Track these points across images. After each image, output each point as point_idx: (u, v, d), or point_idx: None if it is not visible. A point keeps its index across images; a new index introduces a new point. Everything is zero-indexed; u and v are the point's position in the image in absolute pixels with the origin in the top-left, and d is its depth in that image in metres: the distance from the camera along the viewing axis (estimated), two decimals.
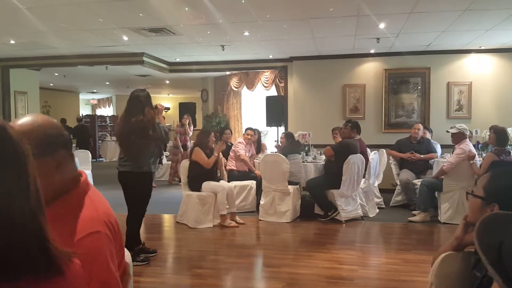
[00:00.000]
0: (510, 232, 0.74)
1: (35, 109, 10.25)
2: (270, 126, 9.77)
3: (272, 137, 10.47)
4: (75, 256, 1.00)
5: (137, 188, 4.47)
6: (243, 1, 5.20)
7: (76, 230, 1.28)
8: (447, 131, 6.17)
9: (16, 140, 0.89)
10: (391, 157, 7.47)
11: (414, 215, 6.24)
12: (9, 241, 0.84)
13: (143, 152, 4.39)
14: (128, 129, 4.34)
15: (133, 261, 4.38)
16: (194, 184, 6.08)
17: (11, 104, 9.38)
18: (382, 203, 7.12)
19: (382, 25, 6.37)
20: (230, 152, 7.21)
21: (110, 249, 1.32)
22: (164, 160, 10.32)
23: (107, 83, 14.71)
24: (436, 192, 6.22)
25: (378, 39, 7.22)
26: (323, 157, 6.91)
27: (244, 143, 7.31)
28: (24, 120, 1.31)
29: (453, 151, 6.18)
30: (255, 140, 7.80)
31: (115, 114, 19.03)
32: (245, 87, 11.78)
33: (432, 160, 6.94)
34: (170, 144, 9.58)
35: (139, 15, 5.80)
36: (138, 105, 4.36)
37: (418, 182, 6.61)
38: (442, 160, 6.48)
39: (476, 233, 0.82)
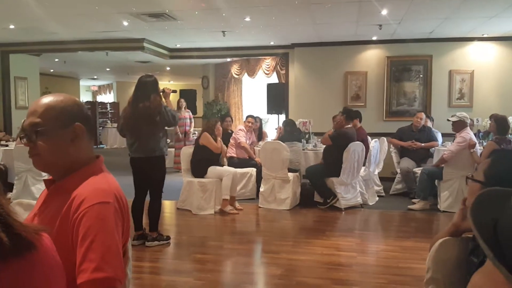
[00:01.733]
0: (505, 209, 0.74)
1: (35, 95, 10.21)
2: (271, 114, 9.76)
3: (273, 124, 10.45)
4: (44, 230, 1.02)
5: (152, 172, 4.56)
6: None
7: (85, 199, 1.32)
8: (448, 120, 6.15)
9: None
10: (391, 145, 7.46)
11: (414, 203, 6.25)
12: None
13: (153, 137, 4.47)
14: (136, 114, 4.40)
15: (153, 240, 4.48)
16: (199, 169, 6.08)
17: (11, 89, 9.35)
18: (382, 191, 7.13)
19: (384, 11, 6.31)
20: (231, 140, 7.21)
21: (116, 221, 1.35)
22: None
23: (108, 69, 14.66)
24: (436, 181, 6.23)
25: (380, 25, 7.16)
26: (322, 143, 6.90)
27: (245, 130, 7.30)
28: (50, 96, 1.45)
29: (454, 139, 6.17)
30: (257, 128, 7.79)
31: (115, 100, 19.00)
32: (246, 74, 11.72)
33: (433, 148, 6.93)
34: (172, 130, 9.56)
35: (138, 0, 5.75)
36: (145, 91, 4.42)
37: (418, 170, 6.61)
38: (443, 148, 6.47)
39: (471, 210, 0.81)
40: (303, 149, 6.69)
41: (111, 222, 1.32)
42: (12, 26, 7.28)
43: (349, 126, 6.28)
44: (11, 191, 6.64)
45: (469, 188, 1.62)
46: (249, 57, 10.97)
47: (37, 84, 10.42)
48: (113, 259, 1.28)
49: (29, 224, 1.00)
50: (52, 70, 14.34)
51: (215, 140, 6.04)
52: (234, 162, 6.95)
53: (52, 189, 1.46)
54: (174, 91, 4.80)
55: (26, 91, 9.83)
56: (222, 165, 6.32)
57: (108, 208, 1.34)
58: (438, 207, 6.08)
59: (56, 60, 11.82)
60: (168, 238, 4.72)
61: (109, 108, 18.13)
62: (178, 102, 9.79)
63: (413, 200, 6.38)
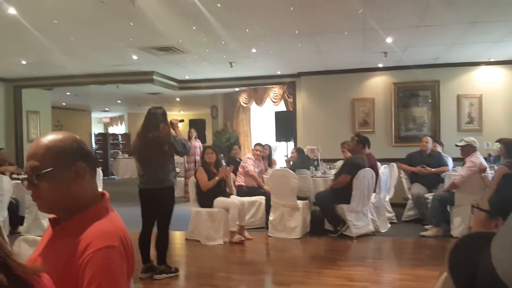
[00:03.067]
0: (484, 254, 0.72)
1: (47, 128, 10.38)
2: (279, 141, 9.77)
3: (281, 152, 10.45)
4: (43, 271, 1.01)
5: (161, 203, 4.56)
6: (248, 21, 5.25)
7: (90, 243, 1.31)
8: (456, 145, 6.10)
9: None
10: (402, 171, 7.39)
11: (427, 229, 6.14)
12: None
13: (162, 168, 4.49)
14: (145, 145, 4.45)
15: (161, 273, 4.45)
16: (203, 200, 6.08)
17: (23, 123, 9.51)
18: (394, 217, 7.02)
19: (389, 39, 6.37)
20: (239, 168, 7.20)
21: (122, 265, 1.34)
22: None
23: (119, 101, 14.87)
24: (448, 206, 6.13)
25: (385, 53, 7.22)
26: (333, 171, 6.87)
27: (253, 158, 7.30)
28: (48, 136, 1.45)
29: (464, 164, 6.10)
30: (266, 156, 7.80)
31: (127, 132, 19.21)
32: (254, 103, 11.82)
33: (444, 173, 6.85)
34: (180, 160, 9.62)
35: (146, 35, 5.88)
36: (154, 121, 4.49)
37: (430, 196, 6.52)
38: (453, 173, 6.40)
39: (448, 257, 0.79)
40: (312, 176, 6.66)
41: (116, 267, 1.32)
42: (24, 62, 7.47)
43: (367, 152, 6.29)
44: (22, 225, 6.67)
45: (474, 217, 1.59)
46: (257, 86, 11.08)
47: (49, 117, 10.60)
48: None
49: (28, 265, 1.00)
50: (64, 103, 14.59)
51: (216, 170, 6.03)
52: (243, 191, 6.93)
53: (57, 230, 1.45)
54: (182, 121, 4.86)
55: (38, 125, 9.99)
56: (230, 194, 6.29)
57: (113, 252, 1.33)
58: (451, 233, 5.96)
59: (68, 93, 12.04)
60: (176, 270, 4.68)
61: (120, 139, 18.32)
62: (189, 132, 9.90)
63: (426, 227, 6.26)
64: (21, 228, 6.64)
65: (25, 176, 1.43)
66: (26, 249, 2.14)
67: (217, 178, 5.94)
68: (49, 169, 1.38)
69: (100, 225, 1.39)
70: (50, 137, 1.44)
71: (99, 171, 8.83)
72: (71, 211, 1.43)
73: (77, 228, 1.38)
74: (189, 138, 9.84)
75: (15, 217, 6.70)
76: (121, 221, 1.48)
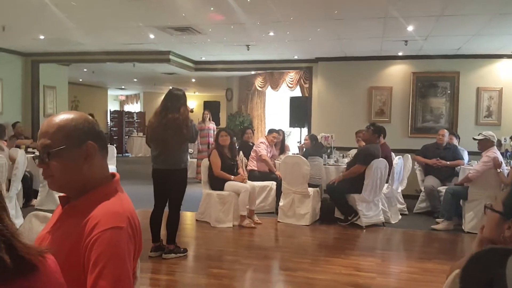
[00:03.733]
0: (498, 273, 0.69)
1: (63, 104, 10.48)
2: (293, 127, 9.71)
3: (294, 138, 10.40)
4: (47, 252, 1.01)
5: (174, 184, 4.59)
6: (268, 3, 5.17)
7: (98, 223, 1.32)
8: (474, 138, 5.99)
9: None
10: (416, 163, 7.30)
11: (438, 223, 6.08)
12: None
13: (178, 150, 4.52)
14: (164, 125, 4.44)
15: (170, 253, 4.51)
16: (215, 183, 6.10)
17: (40, 98, 9.59)
18: (405, 209, 6.97)
19: (410, 28, 6.23)
20: (252, 152, 7.19)
21: (129, 246, 1.34)
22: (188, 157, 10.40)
23: (135, 80, 14.92)
24: (461, 200, 6.05)
25: (406, 41, 7.07)
26: (345, 160, 6.83)
27: (266, 143, 7.27)
28: (60, 115, 1.45)
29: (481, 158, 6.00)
30: (279, 141, 7.77)
31: (142, 110, 19.30)
32: (269, 87, 11.74)
33: (458, 167, 6.76)
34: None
35: (165, 14, 5.84)
36: (175, 103, 4.48)
37: (443, 189, 6.44)
38: (468, 167, 6.30)
39: (461, 273, 0.76)
40: (324, 164, 6.62)
41: (123, 248, 1.31)
42: (42, 37, 7.49)
43: (382, 141, 6.22)
44: (35, 198, 6.78)
45: (487, 218, 1.55)
46: (273, 70, 11.00)
47: (66, 93, 10.68)
48: (123, 287, 1.28)
49: (33, 246, 1.00)
50: (81, 80, 14.68)
51: (231, 154, 6.05)
52: (255, 175, 6.92)
53: (67, 209, 1.46)
54: (191, 111, 4.85)
55: (55, 100, 10.07)
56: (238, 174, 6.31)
57: (121, 233, 1.33)
58: (463, 227, 5.90)
59: (85, 70, 12.10)
60: (185, 250, 4.72)
61: (135, 118, 18.43)
62: (203, 114, 9.90)
63: (437, 220, 6.21)
64: (34, 202, 6.75)
65: (37, 153, 1.44)
66: (37, 225, 2.16)
67: (232, 178, 5.99)
68: (59, 148, 1.39)
69: (108, 205, 1.39)
70: (61, 116, 1.44)
71: (113, 148, 8.93)
72: (81, 190, 1.43)
73: (86, 207, 1.38)
74: (203, 119, 9.84)
75: (29, 190, 6.81)
76: (130, 202, 1.48)
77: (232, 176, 6.02)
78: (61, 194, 1.52)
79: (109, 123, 17.67)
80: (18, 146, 7.18)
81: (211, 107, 11.17)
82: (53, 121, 1.43)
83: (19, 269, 0.93)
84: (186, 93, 4.71)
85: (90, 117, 1.50)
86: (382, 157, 6.06)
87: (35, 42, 7.92)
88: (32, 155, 6.96)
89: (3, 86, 8.81)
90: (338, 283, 3.97)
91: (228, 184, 6.00)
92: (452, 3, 5.06)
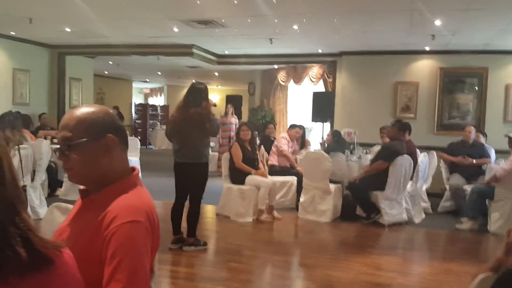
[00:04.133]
0: None
1: (89, 96, 10.63)
2: (316, 122, 9.62)
3: (317, 133, 10.31)
4: (64, 246, 1.01)
5: (195, 178, 4.60)
6: None
7: (116, 217, 1.32)
8: (505, 135, 5.82)
9: None
10: (441, 160, 7.14)
11: (462, 222, 5.94)
12: None
13: (200, 143, 4.53)
14: (186, 119, 4.45)
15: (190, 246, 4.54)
16: (236, 177, 6.10)
17: (66, 90, 9.76)
18: (429, 208, 6.82)
19: (437, 22, 6.07)
20: (273, 147, 7.15)
21: (146, 241, 1.34)
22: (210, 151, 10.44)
23: (159, 73, 15.04)
24: (486, 200, 5.89)
25: (433, 36, 6.89)
26: (369, 156, 6.72)
27: (288, 138, 7.22)
28: (81, 108, 1.46)
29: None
30: (299, 136, 7.71)
31: (166, 103, 19.47)
32: (292, 81, 11.64)
33: (485, 165, 6.58)
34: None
35: (188, 7, 5.84)
36: (197, 97, 4.49)
37: (468, 188, 6.28)
38: (495, 166, 6.12)
39: (496, 281, 0.72)
40: (347, 160, 6.53)
41: (140, 242, 1.31)
42: (68, 29, 7.60)
43: (407, 138, 6.11)
44: (60, 187, 6.91)
45: None
46: (296, 64, 10.90)
47: (91, 85, 10.84)
48: (140, 281, 1.27)
49: (49, 240, 1.00)
50: (106, 72, 14.88)
51: (252, 147, 6.04)
52: (276, 170, 6.88)
53: (86, 201, 1.47)
54: (215, 105, 4.84)
55: (80, 92, 10.23)
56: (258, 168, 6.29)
57: (139, 227, 1.32)
58: (488, 228, 5.74)
59: (110, 62, 12.25)
60: (205, 244, 4.73)
61: (159, 111, 18.62)
62: (226, 107, 9.89)
63: (462, 219, 6.06)
64: (59, 192, 6.89)
65: (58, 146, 1.45)
66: (59, 216, 2.19)
67: (253, 172, 5.98)
68: (80, 140, 1.39)
69: (127, 199, 1.39)
70: (82, 109, 1.45)
71: (137, 140, 9.02)
72: (100, 183, 1.43)
73: (105, 201, 1.38)
74: (226, 113, 9.84)
75: (54, 181, 6.95)
76: (149, 196, 1.48)
77: (253, 170, 6.01)
78: (82, 187, 1.53)
79: (133, 116, 17.90)
80: (44, 137, 7.33)
81: (233, 101, 11.18)
82: (74, 114, 1.44)
83: (35, 263, 0.93)
84: (209, 87, 4.71)
85: (111, 110, 1.50)
86: (407, 154, 5.94)
87: (62, 34, 8.04)
88: (57, 145, 7.14)
89: (30, 78, 8.99)
90: (357, 282, 3.91)
91: (249, 178, 5.99)
92: None
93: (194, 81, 4.73)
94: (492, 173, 5.86)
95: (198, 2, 5.49)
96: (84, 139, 1.40)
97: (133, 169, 1.52)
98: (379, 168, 5.87)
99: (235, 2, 5.55)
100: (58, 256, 0.99)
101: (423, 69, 8.36)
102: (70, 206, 2.08)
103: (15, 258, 0.88)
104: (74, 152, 1.40)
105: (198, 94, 4.50)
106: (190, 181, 4.62)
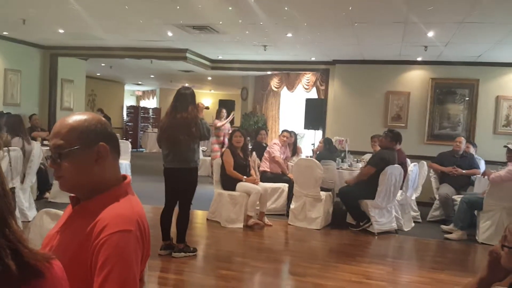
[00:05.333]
0: None
1: (80, 97, 10.56)
2: (308, 129, 9.64)
3: (309, 140, 10.33)
4: (54, 258, 1.00)
5: (185, 183, 4.59)
6: (286, 8, 5.14)
7: (107, 226, 1.31)
8: (505, 146, 5.87)
9: None
10: (431, 170, 7.20)
11: (450, 232, 5.98)
12: None
13: (188, 148, 4.51)
14: (173, 125, 4.46)
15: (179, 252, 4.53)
16: (227, 183, 6.09)
17: (57, 91, 9.67)
18: (419, 217, 6.86)
19: (430, 34, 6.13)
20: (265, 153, 7.15)
21: (136, 250, 1.33)
22: (201, 155, 10.38)
23: (152, 76, 14.99)
24: (475, 211, 5.95)
25: (426, 47, 6.96)
26: (359, 165, 6.75)
27: (280, 144, 7.23)
28: (73, 115, 1.45)
29: (500, 168, 5.89)
30: (291, 143, 7.72)
31: (157, 106, 19.40)
32: (285, 87, 11.69)
33: (474, 176, 6.64)
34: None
35: (183, 12, 5.84)
36: (183, 102, 4.49)
37: (458, 198, 6.34)
38: (484, 177, 6.18)
39: None
40: (338, 168, 6.55)
41: (130, 252, 1.31)
42: (61, 31, 7.55)
43: (398, 147, 6.16)
44: (49, 190, 6.85)
45: (505, 256, 1.48)
46: (289, 71, 10.94)
47: (83, 86, 10.76)
48: None
49: (39, 252, 0.99)
50: (98, 74, 14.80)
51: (244, 154, 6.05)
52: (267, 177, 6.89)
53: (77, 209, 1.46)
54: (207, 108, 4.84)
55: (72, 93, 10.16)
56: (250, 175, 6.28)
57: (129, 237, 1.32)
58: (476, 238, 5.79)
59: (103, 64, 12.19)
60: (195, 250, 4.71)
61: (151, 114, 18.53)
62: (220, 111, 9.75)
63: (445, 227, 6.11)
64: (48, 194, 6.82)
65: (49, 154, 1.44)
66: (48, 222, 2.17)
67: (244, 179, 5.99)
68: (72, 148, 1.39)
69: (118, 208, 1.38)
70: (74, 117, 1.44)
71: (128, 143, 8.97)
72: (91, 191, 1.43)
73: (96, 209, 1.38)
74: (220, 117, 9.74)
75: (44, 183, 6.88)
76: (140, 205, 1.47)
77: (245, 177, 6.01)
78: (72, 194, 1.52)
79: (125, 118, 17.80)
80: (34, 139, 7.26)
81: (226, 105, 11.16)
82: (66, 121, 1.43)
83: (25, 276, 0.92)
84: (202, 91, 4.72)
85: (103, 118, 1.50)
86: (397, 163, 5.98)
87: (55, 35, 7.99)
88: (48, 147, 7.07)
89: (22, 78, 8.91)
90: None
91: (240, 185, 5.98)
92: (477, 10, 4.95)
93: (186, 85, 4.71)
94: (481, 184, 5.91)
95: (195, 7, 5.49)
96: (76, 147, 1.39)
97: (125, 177, 1.52)
98: (367, 173, 5.93)
99: (230, 9, 5.57)
100: (48, 268, 0.98)
101: (415, 79, 8.44)
102: (59, 212, 2.06)
103: (5, 271, 0.87)
104: (66, 160, 1.39)
105: (184, 99, 4.50)
106: (179, 186, 4.60)
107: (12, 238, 0.93)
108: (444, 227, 6.20)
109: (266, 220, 6.08)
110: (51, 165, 1.43)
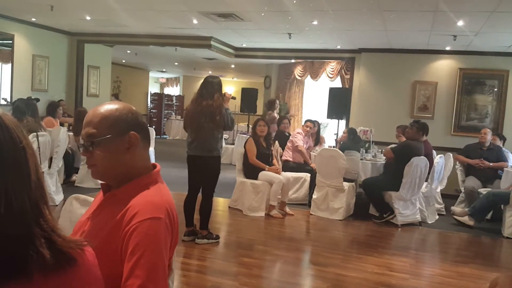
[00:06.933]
0: None
1: (106, 84, 10.71)
2: (331, 119, 9.54)
3: (332, 130, 10.24)
4: (86, 245, 1.02)
5: (207, 171, 4.63)
6: None
7: (137, 213, 1.34)
8: None
9: (12, 128, 0.89)
10: (457, 162, 7.06)
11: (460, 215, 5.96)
12: (10, 232, 0.84)
13: (211, 136, 4.54)
14: (199, 112, 4.49)
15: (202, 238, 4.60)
16: (249, 171, 6.11)
17: (84, 77, 9.84)
18: (443, 209, 6.76)
19: (460, 23, 5.97)
20: (288, 143, 7.13)
21: (166, 238, 1.36)
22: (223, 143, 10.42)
23: (176, 63, 15.07)
24: (502, 205, 5.83)
25: (455, 36, 6.79)
26: (384, 156, 6.67)
27: (303, 134, 7.20)
28: (105, 105, 1.49)
29: None
30: (315, 132, 7.67)
31: (181, 94, 19.53)
32: (309, 76, 11.59)
33: (501, 169, 6.50)
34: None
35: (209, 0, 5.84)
36: (210, 90, 4.51)
37: (483, 191, 6.21)
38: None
39: None
40: (361, 159, 6.49)
41: (160, 239, 1.34)
42: (88, 18, 7.64)
43: (424, 138, 6.07)
44: (77, 173, 6.99)
45: None
46: (314, 60, 10.83)
47: (109, 73, 10.90)
48: (159, 278, 1.29)
49: (72, 239, 1.01)
50: (124, 61, 14.96)
51: (267, 143, 6.05)
52: (290, 166, 6.88)
53: (108, 196, 1.49)
54: (234, 98, 4.84)
55: (98, 80, 10.31)
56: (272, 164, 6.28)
57: (159, 224, 1.35)
58: (502, 232, 5.68)
59: (128, 51, 12.31)
60: (217, 237, 4.76)
61: (174, 101, 18.67)
62: (274, 103, 9.05)
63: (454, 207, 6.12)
64: (75, 178, 6.96)
65: (82, 142, 1.48)
66: (77, 207, 2.21)
67: (267, 168, 5.99)
68: (104, 137, 1.42)
69: (148, 195, 1.41)
70: (106, 106, 1.48)
71: (152, 130, 9.07)
72: (122, 179, 1.46)
73: (126, 196, 1.41)
74: (273, 109, 9.03)
75: (70, 167, 7.03)
76: (169, 193, 1.50)
77: (267, 166, 6.01)
78: (103, 182, 1.55)
79: (149, 105, 17.99)
80: (61, 124, 7.41)
81: (248, 94, 11.13)
82: (98, 111, 1.47)
83: (59, 263, 0.94)
84: (224, 79, 4.72)
85: (134, 108, 1.53)
86: (423, 155, 5.89)
87: (82, 22, 8.10)
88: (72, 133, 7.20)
89: (49, 64, 9.08)
90: (369, 282, 3.91)
91: (262, 174, 5.99)
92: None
93: (210, 72, 4.73)
94: (509, 177, 5.78)
95: None
96: (108, 136, 1.43)
97: (155, 166, 1.55)
98: (386, 155, 6.08)
99: None
100: (81, 255, 1.00)
101: (443, 69, 8.25)
102: (89, 198, 2.10)
103: (40, 259, 0.89)
104: (98, 148, 1.43)
105: (211, 87, 4.52)
106: (202, 174, 4.64)
107: (46, 227, 0.95)
108: (455, 208, 6.14)
109: (287, 209, 6.09)
110: (83, 154, 1.47)
